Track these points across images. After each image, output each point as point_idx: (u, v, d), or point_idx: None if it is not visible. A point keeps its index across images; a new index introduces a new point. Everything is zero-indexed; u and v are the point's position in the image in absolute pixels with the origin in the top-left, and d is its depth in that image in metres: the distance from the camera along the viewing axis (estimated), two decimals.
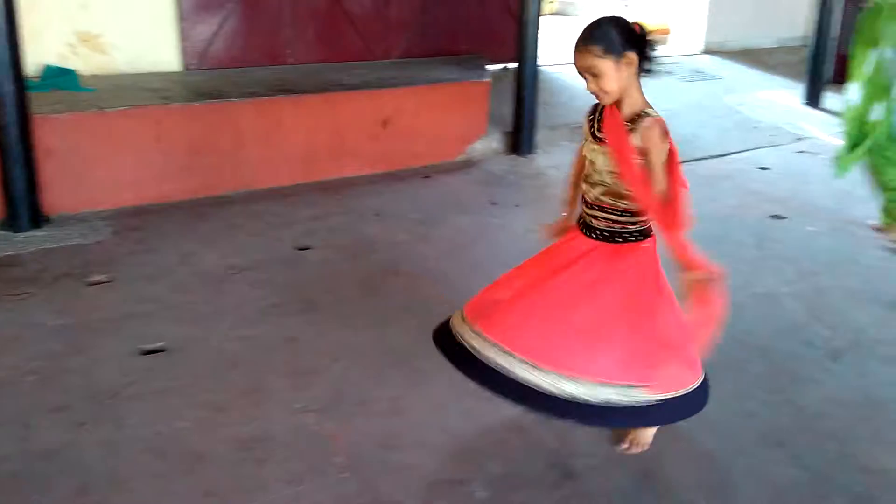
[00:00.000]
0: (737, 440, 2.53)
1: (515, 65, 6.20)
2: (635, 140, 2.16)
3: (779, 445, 2.49)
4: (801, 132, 7.02)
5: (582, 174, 2.39)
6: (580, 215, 2.38)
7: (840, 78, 9.25)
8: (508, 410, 2.69)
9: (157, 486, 2.34)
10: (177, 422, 2.65)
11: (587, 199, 2.33)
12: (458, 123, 6.07)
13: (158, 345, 3.15)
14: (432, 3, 7.44)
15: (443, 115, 5.97)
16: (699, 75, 8.47)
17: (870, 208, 4.86)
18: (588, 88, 2.20)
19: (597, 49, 2.14)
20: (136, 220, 4.55)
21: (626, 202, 2.23)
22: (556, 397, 2.16)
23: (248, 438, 2.57)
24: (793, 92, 8.20)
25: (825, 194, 5.18)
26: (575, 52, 2.18)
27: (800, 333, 3.24)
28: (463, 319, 2.40)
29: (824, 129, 7.16)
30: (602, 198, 2.27)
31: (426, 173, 5.78)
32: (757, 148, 6.52)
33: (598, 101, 2.28)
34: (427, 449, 2.52)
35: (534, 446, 2.52)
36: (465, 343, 2.32)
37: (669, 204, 2.14)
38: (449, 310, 3.45)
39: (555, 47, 9.55)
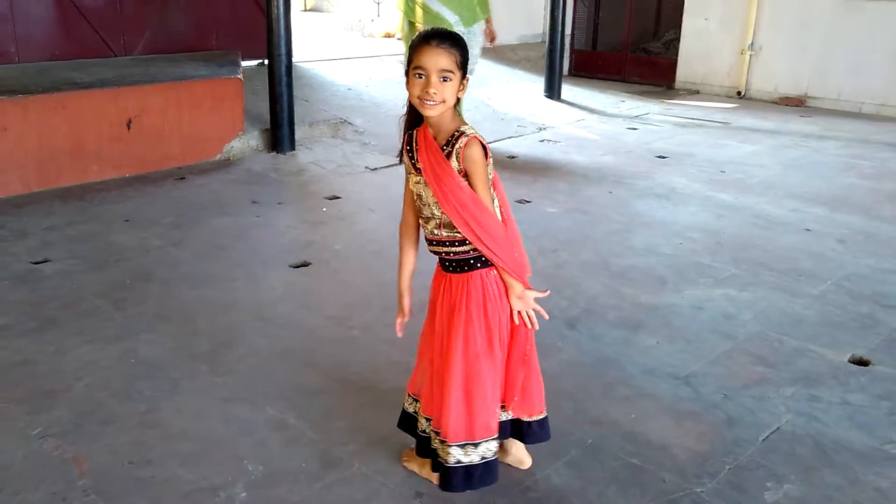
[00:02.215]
0: None
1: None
2: (454, 163, 2.00)
3: None
4: (543, 122, 7.60)
5: (417, 226, 2.20)
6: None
7: (576, 71, 10.23)
8: (270, 409, 2.68)
9: None
10: None
11: (427, 236, 2.14)
12: (213, 122, 5.87)
13: None
14: None
15: (195, 114, 5.75)
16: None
17: (600, 190, 5.39)
18: (421, 91, 1.96)
19: (457, 56, 1.97)
20: None
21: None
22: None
23: None
24: (535, 85, 8.85)
25: (562, 179, 5.65)
26: (430, 46, 1.95)
27: (541, 305, 3.51)
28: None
29: (563, 118, 7.81)
30: (437, 231, 2.09)
31: (181, 174, 5.54)
32: (505, 138, 6.96)
33: (413, 131, 2.09)
34: (183, 459, 2.42)
35: (295, 441, 2.52)
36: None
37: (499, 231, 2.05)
38: (209, 313, 3.39)
39: (312, 43, 9.54)
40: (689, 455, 2.47)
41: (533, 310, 2.14)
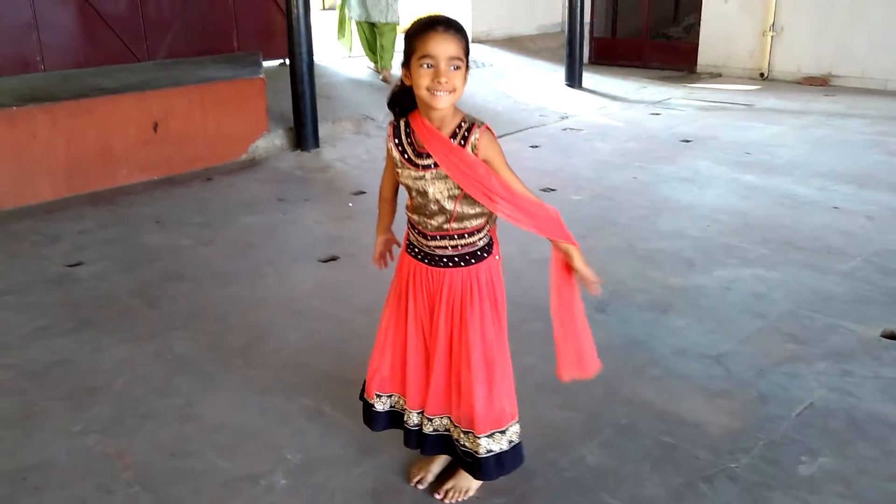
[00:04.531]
0: (518, 393, 2.69)
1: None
2: (470, 153, 1.91)
3: (554, 392, 2.71)
4: (565, 111, 7.58)
5: (393, 199, 2.19)
6: (413, 245, 2.11)
7: (596, 59, 10.18)
8: (305, 400, 2.72)
9: None
10: None
11: (424, 231, 2.04)
12: (237, 122, 5.94)
13: None
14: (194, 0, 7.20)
15: (219, 115, 5.82)
16: (471, 63, 8.87)
17: (624, 176, 5.38)
18: (431, 82, 1.84)
19: (464, 43, 1.88)
20: None
21: (475, 221, 2.01)
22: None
23: (22, 468, 2.39)
24: (556, 74, 8.83)
25: (587, 166, 5.64)
26: (436, 33, 1.83)
27: None
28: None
29: (585, 106, 7.79)
30: (447, 226, 2.00)
31: (208, 175, 5.62)
32: (528, 128, 6.96)
33: (399, 122, 2.01)
34: (222, 450, 2.47)
35: (331, 429, 2.55)
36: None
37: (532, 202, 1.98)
38: (241, 309, 3.45)
39: (332, 41, 9.58)
40: (723, 432, 2.48)
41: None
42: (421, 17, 1.91)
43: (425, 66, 1.85)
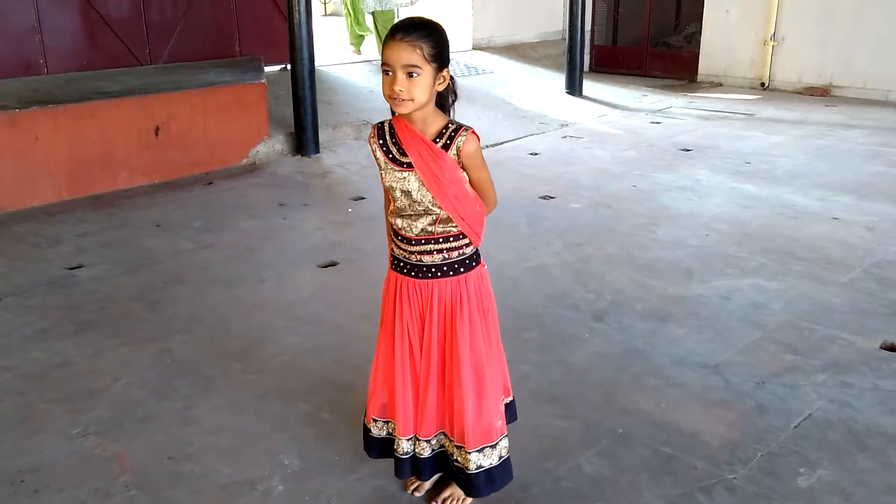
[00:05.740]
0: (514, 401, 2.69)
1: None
2: (453, 156, 1.93)
3: (551, 401, 2.71)
4: (564, 119, 7.60)
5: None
6: (398, 259, 2.07)
7: (596, 67, 10.20)
8: (303, 405, 2.73)
9: None
10: None
11: (409, 236, 2.01)
12: (238, 127, 5.95)
13: None
14: (196, 4, 7.21)
15: (220, 120, 5.83)
16: (471, 70, 8.89)
17: (623, 184, 5.39)
18: (389, 89, 1.86)
19: (426, 48, 1.84)
20: None
21: (456, 226, 2.00)
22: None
23: (21, 470, 2.39)
24: (556, 82, 8.85)
25: (586, 174, 5.65)
26: (393, 41, 1.84)
27: (567, 299, 3.54)
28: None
29: (585, 114, 7.80)
30: (432, 228, 1.98)
31: (209, 180, 5.62)
32: (528, 135, 6.97)
33: (383, 122, 2.01)
34: (220, 454, 2.48)
35: (329, 435, 2.56)
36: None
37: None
38: (240, 313, 3.45)
39: (333, 47, 9.62)
40: (721, 443, 2.48)
41: None
42: (395, 23, 1.92)
43: (386, 73, 1.87)
